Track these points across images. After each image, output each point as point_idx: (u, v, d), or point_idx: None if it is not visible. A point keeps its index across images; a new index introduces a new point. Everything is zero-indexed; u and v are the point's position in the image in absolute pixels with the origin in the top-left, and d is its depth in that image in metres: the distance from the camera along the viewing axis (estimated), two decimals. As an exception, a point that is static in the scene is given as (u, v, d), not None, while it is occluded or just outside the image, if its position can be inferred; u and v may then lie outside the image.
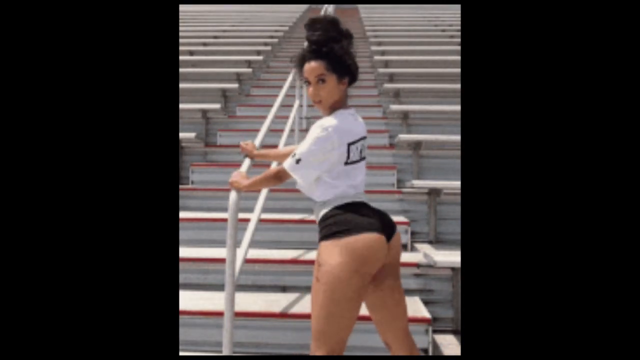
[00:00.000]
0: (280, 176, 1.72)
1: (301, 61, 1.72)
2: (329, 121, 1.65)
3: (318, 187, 1.70)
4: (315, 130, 1.65)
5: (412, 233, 3.59)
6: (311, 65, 1.68)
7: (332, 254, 1.58)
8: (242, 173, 2.01)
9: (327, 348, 1.59)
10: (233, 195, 2.04)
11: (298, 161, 1.65)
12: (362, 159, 1.74)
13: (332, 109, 1.72)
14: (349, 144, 1.66)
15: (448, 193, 3.72)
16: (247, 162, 2.18)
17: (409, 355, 1.73)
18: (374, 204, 1.73)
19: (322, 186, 1.69)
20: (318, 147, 1.63)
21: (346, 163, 1.66)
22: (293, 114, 4.28)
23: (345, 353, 1.72)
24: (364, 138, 1.74)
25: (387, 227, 1.66)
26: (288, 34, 9.29)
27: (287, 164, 1.68)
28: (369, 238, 1.58)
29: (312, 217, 3.55)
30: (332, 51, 1.66)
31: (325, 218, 1.66)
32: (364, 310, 2.45)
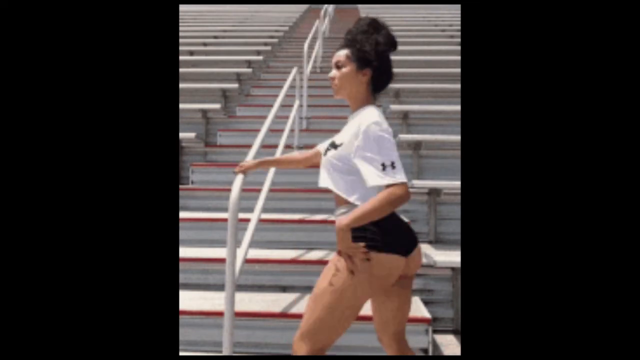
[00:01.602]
0: (401, 194, 1.51)
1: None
2: (374, 114, 1.58)
3: (356, 188, 1.61)
4: (371, 129, 1.53)
5: (412, 233, 3.59)
6: (336, 53, 1.72)
7: (344, 261, 1.55)
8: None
9: (310, 348, 1.58)
10: (233, 195, 2.04)
11: (393, 165, 1.50)
12: None
13: (359, 102, 1.69)
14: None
15: (448, 193, 3.72)
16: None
17: (409, 355, 1.74)
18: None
19: (362, 188, 1.59)
20: (389, 142, 1.53)
21: None
22: (293, 114, 4.29)
23: (345, 353, 1.72)
24: None
25: (411, 243, 1.63)
26: (288, 34, 9.30)
27: (389, 177, 1.49)
28: (394, 260, 1.55)
29: (312, 217, 3.56)
30: (355, 40, 1.69)
31: (358, 228, 1.55)
32: (364, 311, 2.44)
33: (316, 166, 1.84)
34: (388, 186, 1.50)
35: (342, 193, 1.63)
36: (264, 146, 2.74)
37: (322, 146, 1.84)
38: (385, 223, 1.56)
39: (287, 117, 4.23)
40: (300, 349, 1.60)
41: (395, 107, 5.06)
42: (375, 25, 1.71)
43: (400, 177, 1.50)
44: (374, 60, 1.67)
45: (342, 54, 1.70)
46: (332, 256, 1.66)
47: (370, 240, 1.54)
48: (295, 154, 2.04)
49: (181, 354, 2.40)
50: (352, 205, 1.60)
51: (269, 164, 2.11)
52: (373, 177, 1.51)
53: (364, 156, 1.53)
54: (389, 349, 1.76)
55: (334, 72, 1.71)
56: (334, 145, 1.65)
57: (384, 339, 1.75)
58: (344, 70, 1.68)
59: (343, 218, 1.52)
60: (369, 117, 1.57)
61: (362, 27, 1.70)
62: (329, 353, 1.67)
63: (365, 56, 1.67)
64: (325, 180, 1.68)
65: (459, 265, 2.77)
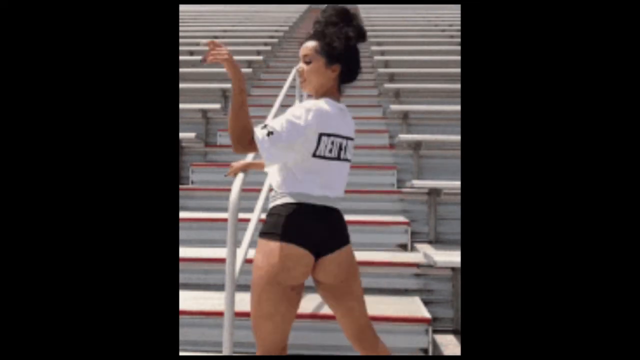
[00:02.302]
0: (247, 143, 1.53)
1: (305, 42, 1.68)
2: (310, 103, 1.55)
3: (280, 174, 1.60)
4: (293, 108, 1.55)
5: (412, 233, 3.59)
6: (304, 45, 1.66)
7: (258, 257, 1.57)
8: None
9: (262, 349, 1.59)
10: (233, 195, 2.04)
11: (270, 134, 1.48)
12: (344, 159, 1.62)
13: (319, 93, 1.66)
14: (321, 134, 1.54)
15: (448, 193, 3.72)
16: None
17: (408, 355, 1.74)
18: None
19: (285, 176, 1.58)
20: (291, 126, 1.50)
21: (314, 155, 1.54)
22: (293, 114, 4.28)
23: (345, 353, 1.72)
24: (349, 138, 1.63)
25: (322, 244, 1.58)
26: (288, 34, 9.30)
27: (258, 133, 1.50)
28: (289, 249, 1.52)
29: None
30: (324, 33, 1.62)
31: (269, 212, 1.60)
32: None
33: None
34: (258, 138, 1.50)
35: (270, 176, 1.67)
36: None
37: None
38: (295, 218, 1.54)
39: (287, 117, 4.22)
40: (258, 350, 1.61)
41: (395, 107, 5.06)
42: (345, 17, 1.63)
43: (262, 141, 1.49)
44: (344, 55, 1.62)
45: (311, 46, 1.63)
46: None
47: (266, 229, 1.57)
48: None
49: (181, 354, 2.40)
50: (273, 192, 1.63)
51: (256, 166, 2.06)
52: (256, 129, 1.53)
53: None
54: (364, 352, 1.74)
55: (301, 66, 1.66)
56: None
57: (359, 343, 1.73)
58: (312, 65, 1.62)
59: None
60: (306, 103, 1.57)
61: (331, 19, 1.63)
62: (328, 353, 1.67)
63: (334, 52, 1.61)
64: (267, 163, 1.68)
65: (459, 265, 2.77)
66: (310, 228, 1.56)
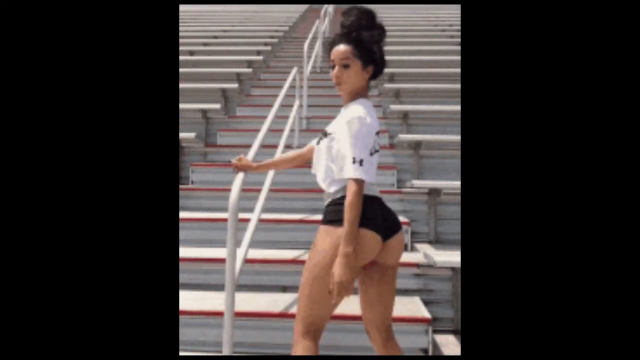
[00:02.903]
0: (360, 189, 1.58)
1: (331, 44, 1.74)
2: (360, 110, 1.65)
3: (330, 175, 1.70)
4: (353, 123, 1.62)
5: (412, 233, 3.59)
6: (339, 49, 1.71)
7: (325, 240, 1.62)
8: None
9: (304, 329, 1.64)
10: (233, 195, 2.04)
11: (361, 162, 1.58)
12: (378, 150, 1.74)
13: (354, 95, 1.74)
14: (376, 133, 1.69)
15: (448, 193, 3.72)
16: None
17: (408, 355, 1.74)
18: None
19: (339, 182, 1.68)
20: (364, 140, 1.61)
21: (371, 153, 1.65)
22: (293, 114, 4.28)
23: (345, 353, 1.72)
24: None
25: (387, 227, 1.67)
26: (288, 34, 9.30)
27: (352, 171, 1.57)
28: (361, 234, 1.59)
29: (312, 217, 3.56)
30: (360, 37, 1.69)
31: (334, 203, 1.66)
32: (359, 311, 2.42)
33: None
34: (350, 180, 1.58)
35: (321, 181, 1.72)
36: (264, 146, 2.74)
37: (315, 140, 1.89)
38: (369, 207, 1.63)
39: (287, 117, 4.23)
40: (296, 332, 1.65)
41: (395, 107, 5.06)
42: (374, 20, 1.72)
43: (360, 173, 1.57)
44: (377, 54, 1.71)
45: (347, 50, 1.69)
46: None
47: (333, 217, 1.63)
48: (289, 153, 2.07)
49: (181, 354, 2.40)
50: (328, 194, 1.69)
51: (266, 167, 2.12)
52: (342, 169, 1.62)
53: (340, 148, 1.63)
54: (375, 344, 1.78)
55: (338, 70, 1.71)
56: (325, 134, 1.73)
57: (371, 332, 1.77)
58: (351, 69, 1.69)
59: (341, 248, 1.55)
60: (356, 111, 1.65)
61: (361, 21, 1.70)
62: (329, 353, 1.67)
63: (372, 56, 1.70)
64: (314, 167, 1.77)
65: (459, 265, 2.77)
66: (377, 213, 1.66)
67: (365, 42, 1.69)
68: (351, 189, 1.56)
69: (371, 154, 1.64)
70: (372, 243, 1.62)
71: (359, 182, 1.57)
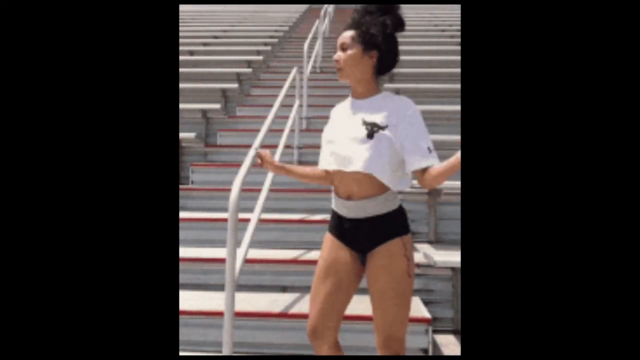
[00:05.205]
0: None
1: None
2: (410, 102, 1.66)
3: (396, 175, 1.64)
4: (417, 115, 1.63)
5: (412, 233, 3.59)
6: (342, 34, 1.69)
7: (410, 250, 1.64)
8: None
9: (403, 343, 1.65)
10: (233, 195, 2.04)
11: (431, 149, 1.60)
12: None
13: (366, 84, 1.69)
14: None
15: (448, 193, 3.72)
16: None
17: (409, 356, 1.74)
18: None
19: (402, 176, 1.65)
20: (425, 129, 1.64)
21: None
22: (293, 114, 4.29)
23: (345, 353, 1.72)
24: None
25: None
26: (288, 34, 9.30)
27: (430, 160, 1.58)
28: (409, 239, 1.67)
29: (312, 217, 3.56)
30: (361, 22, 1.65)
31: (399, 212, 1.67)
32: (362, 310, 2.44)
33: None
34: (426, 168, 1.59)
35: (384, 178, 1.61)
36: (264, 146, 2.74)
37: (331, 155, 1.71)
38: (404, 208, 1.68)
39: (287, 117, 4.23)
40: (401, 348, 1.63)
41: (395, 107, 5.05)
42: (383, 7, 1.67)
43: (434, 159, 1.60)
44: (381, 42, 1.64)
45: (348, 35, 1.67)
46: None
47: (406, 225, 1.67)
48: (316, 170, 1.85)
49: (181, 354, 2.40)
50: (386, 194, 1.64)
51: (286, 172, 1.88)
52: (420, 160, 1.58)
53: (414, 141, 1.59)
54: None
55: (338, 54, 1.67)
56: (377, 126, 1.60)
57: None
58: (349, 52, 1.65)
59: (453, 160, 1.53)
60: (410, 103, 1.65)
61: (369, 8, 1.67)
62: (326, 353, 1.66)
63: (371, 39, 1.63)
64: (372, 163, 1.59)
65: (459, 265, 2.77)
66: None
67: (366, 26, 1.64)
68: (433, 173, 1.56)
69: None
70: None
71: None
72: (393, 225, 1.63)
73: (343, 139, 1.64)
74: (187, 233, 3.44)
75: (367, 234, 1.63)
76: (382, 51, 1.65)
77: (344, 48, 1.66)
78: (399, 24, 1.67)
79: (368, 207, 1.62)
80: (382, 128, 1.59)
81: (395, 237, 1.62)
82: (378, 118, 1.61)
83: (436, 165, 1.58)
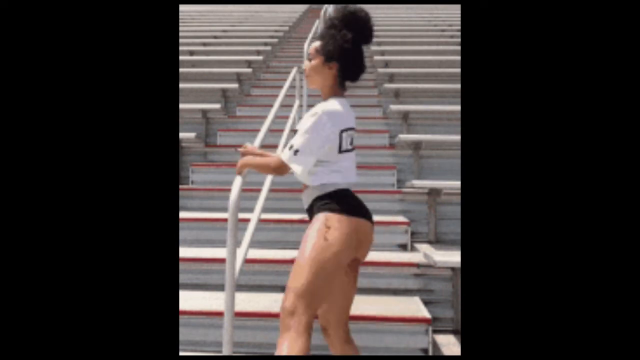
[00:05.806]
0: (280, 168, 1.73)
1: None
2: (321, 107, 1.71)
3: (313, 173, 1.74)
4: (308, 118, 1.71)
5: (412, 233, 3.59)
6: (312, 44, 1.83)
7: (341, 224, 1.64)
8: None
9: (306, 311, 1.59)
10: (233, 195, 2.04)
11: (296, 152, 1.68)
12: (353, 149, 1.79)
13: (325, 94, 1.81)
14: (341, 131, 1.71)
15: (448, 193, 3.72)
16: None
17: (409, 356, 1.74)
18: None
19: (318, 171, 1.72)
20: (313, 135, 1.67)
21: (340, 151, 1.71)
22: (293, 114, 4.29)
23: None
24: (353, 129, 1.78)
25: (369, 216, 1.74)
26: (288, 34, 9.30)
27: (286, 156, 1.70)
28: (366, 225, 1.68)
29: (312, 217, 3.55)
30: (323, 35, 1.78)
31: (321, 197, 1.71)
32: (362, 310, 2.44)
33: None
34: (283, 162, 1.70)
35: (301, 178, 1.76)
36: (264, 146, 2.74)
37: None
38: (347, 198, 1.71)
39: (287, 117, 4.23)
40: (296, 310, 1.59)
41: (395, 107, 5.05)
42: (348, 20, 1.75)
43: (291, 160, 1.68)
44: (340, 55, 1.74)
45: (313, 46, 1.80)
46: None
47: (335, 207, 1.68)
48: None
49: (181, 354, 2.40)
50: (307, 188, 1.76)
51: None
52: (283, 151, 1.73)
53: (293, 136, 1.72)
54: (332, 344, 1.77)
55: (305, 63, 1.82)
56: (295, 130, 1.79)
57: (329, 330, 1.77)
58: (312, 62, 1.79)
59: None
60: (317, 107, 1.71)
61: (335, 21, 1.77)
62: (327, 353, 1.67)
63: (329, 52, 1.75)
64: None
65: (459, 265, 2.77)
66: (362, 205, 1.74)
67: (326, 40, 1.75)
68: (275, 163, 1.71)
69: (339, 152, 1.70)
70: (371, 232, 1.70)
71: (283, 166, 1.70)
72: (317, 208, 1.73)
73: None
74: (187, 233, 3.44)
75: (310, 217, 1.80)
76: (341, 63, 1.76)
77: (309, 58, 1.81)
78: (364, 38, 1.77)
79: (303, 197, 1.82)
80: (295, 131, 1.78)
81: (321, 212, 1.71)
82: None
83: (269, 157, 1.78)
